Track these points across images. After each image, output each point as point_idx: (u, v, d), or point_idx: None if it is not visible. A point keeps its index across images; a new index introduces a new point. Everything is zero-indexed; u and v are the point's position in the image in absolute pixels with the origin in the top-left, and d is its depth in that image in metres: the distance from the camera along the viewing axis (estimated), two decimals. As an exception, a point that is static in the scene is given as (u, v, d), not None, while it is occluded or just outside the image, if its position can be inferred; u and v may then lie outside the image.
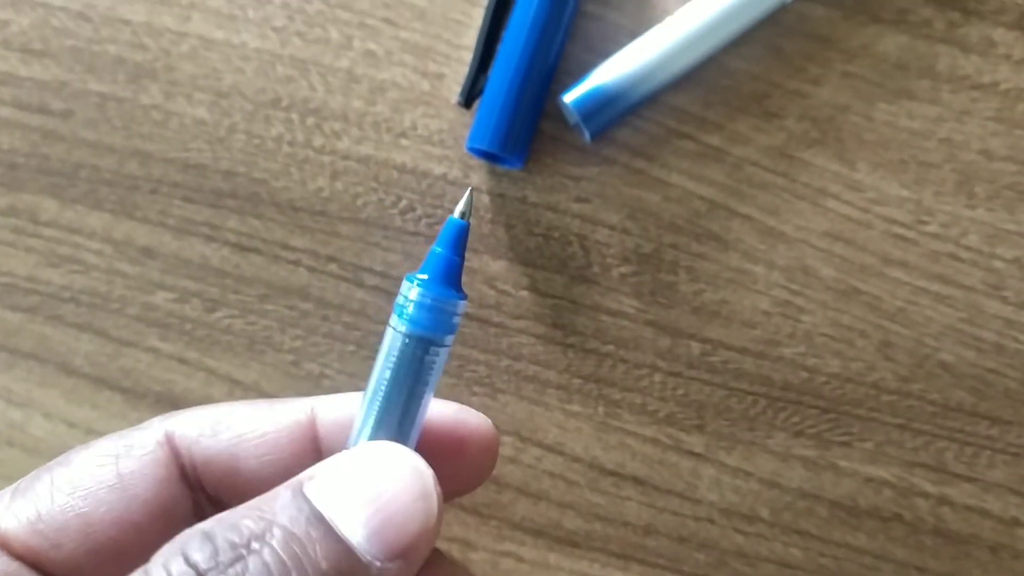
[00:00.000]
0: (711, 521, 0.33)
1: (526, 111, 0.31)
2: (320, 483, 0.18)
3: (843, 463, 0.33)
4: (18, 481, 0.21)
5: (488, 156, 0.32)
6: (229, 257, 0.33)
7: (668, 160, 0.32)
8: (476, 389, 0.33)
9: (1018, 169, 0.32)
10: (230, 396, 0.34)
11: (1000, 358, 0.32)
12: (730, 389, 0.33)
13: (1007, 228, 0.32)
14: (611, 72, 0.31)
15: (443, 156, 0.32)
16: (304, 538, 0.16)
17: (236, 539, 0.16)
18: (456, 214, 0.20)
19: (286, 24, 0.32)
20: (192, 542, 0.16)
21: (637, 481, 0.33)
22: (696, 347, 0.33)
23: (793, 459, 0.33)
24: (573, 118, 0.31)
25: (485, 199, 0.32)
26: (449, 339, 0.21)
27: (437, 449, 0.22)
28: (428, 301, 0.20)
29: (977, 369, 0.32)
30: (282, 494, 0.17)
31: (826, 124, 0.32)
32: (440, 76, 0.32)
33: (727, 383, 0.33)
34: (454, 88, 0.32)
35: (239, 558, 0.16)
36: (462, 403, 0.31)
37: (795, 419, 0.33)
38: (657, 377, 0.33)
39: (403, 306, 0.21)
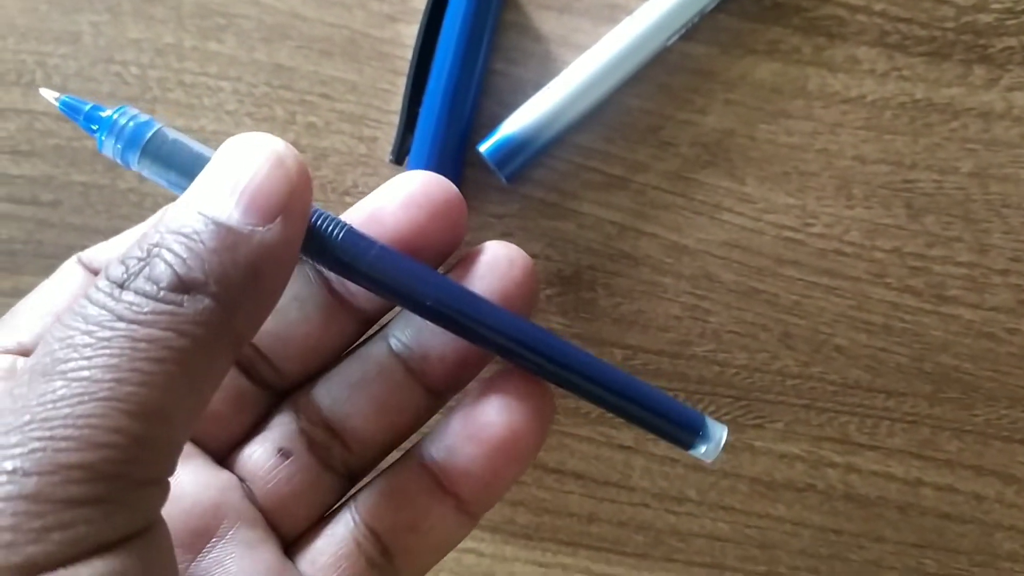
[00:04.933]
0: (646, 505, 0.33)
1: (449, 163, 0.31)
2: (194, 188, 0.19)
3: (758, 443, 0.32)
4: None
5: None
6: (206, 314, 0.36)
7: (579, 192, 0.32)
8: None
9: (890, 170, 0.31)
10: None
11: (889, 337, 0.32)
12: None
13: (884, 223, 0.31)
14: (519, 121, 0.31)
15: (383, 208, 0.35)
16: (190, 233, 0.18)
17: (140, 253, 0.17)
18: (59, 98, 0.21)
19: (237, 107, 0.32)
20: (110, 266, 0.18)
21: (577, 476, 0.33)
22: (619, 353, 0.32)
23: (714, 444, 0.35)
24: (490, 165, 0.31)
25: (422, 242, 0.35)
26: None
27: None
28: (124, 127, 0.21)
29: (869, 349, 0.32)
30: (168, 209, 0.19)
31: (715, 147, 0.32)
32: (374, 139, 0.32)
33: (649, 382, 0.35)
34: (387, 148, 0.32)
35: (144, 265, 0.17)
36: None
37: (712, 408, 0.32)
38: (587, 383, 0.35)
39: (121, 149, 0.21)
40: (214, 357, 0.18)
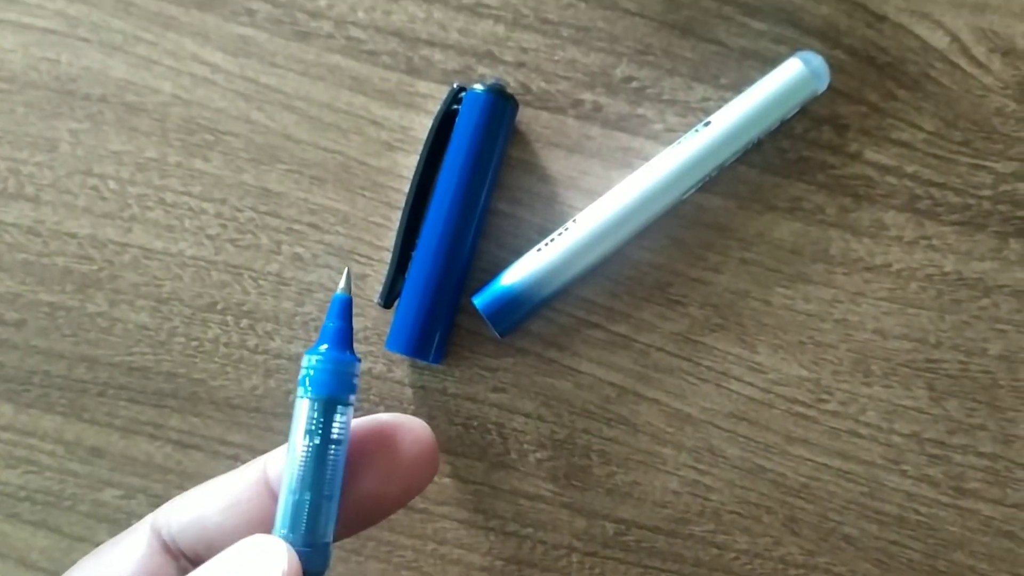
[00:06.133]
0: None
1: (441, 312, 0.29)
2: None
3: None
4: None
5: (407, 354, 0.29)
6: (172, 454, 0.31)
7: (579, 349, 0.30)
8: (404, 573, 0.30)
9: (912, 347, 0.29)
10: None
11: (902, 530, 0.29)
12: (644, 567, 0.30)
13: (904, 404, 0.29)
14: (518, 274, 0.28)
15: (368, 352, 0.30)
16: None
17: None
18: (339, 290, 0.22)
19: (220, 232, 0.30)
20: None
21: None
22: (610, 527, 0.30)
23: (707, 631, 0.29)
24: (483, 318, 0.29)
25: (408, 392, 0.30)
26: (352, 398, 0.21)
27: (372, 449, 0.22)
28: (327, 365, 0.21)
29: (880, 542, 0.29)
30: None
31: (727, 309, 0.29)
32: (363, 276, 0.30)
33: (641, 561, 0.30)
34: (377, 288, 0.30)
35: None
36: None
37: None
38: (575, 557, 0.30)
39: (305, 376, 0.21)
40: None
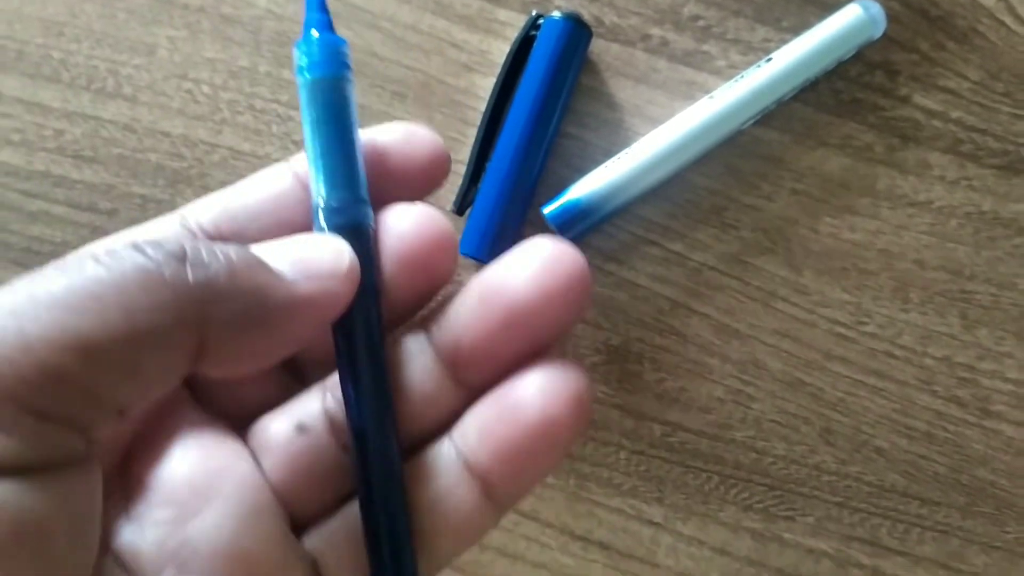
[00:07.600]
0: (668, 586, 0.32)
1: (510, 220, 0.31)
2: (258, 247, 0.19)
3: (787, 535, 0.32)
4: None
5: (478, 258, 0.31)
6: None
7: (636, 264, 0.32)
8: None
9: (949, 278, 0.31)
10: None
11: (930, 445, 0.31)
12: (687, 467, 0.32)
13: (938, 330, 0.31)
14: (585, 188, 0.30)
15: (439, 256, 0.34)
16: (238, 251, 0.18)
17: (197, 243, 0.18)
18: None
19: None
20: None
21: (603, 546, 0.32)
22: (657, 429, 0.32)
23: (742, 530, 0.32)
24: (552, 228, 0.31)
25: (474, 295, 0.34)
26: (349, 74, 0.22)
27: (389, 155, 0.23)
28: (318, 50, 0.22)
29: (909, 455, 0.31)
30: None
31: (776, 235, 0.31)
32: None
33: (684, 461, 0.32)
34: (450, 198, 0.31)
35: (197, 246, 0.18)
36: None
37: (744, 495, 0.32)
38: (622, 454, 0.32)
39: (301, 66, 0.22)
40: (166, 337, 0.17)
